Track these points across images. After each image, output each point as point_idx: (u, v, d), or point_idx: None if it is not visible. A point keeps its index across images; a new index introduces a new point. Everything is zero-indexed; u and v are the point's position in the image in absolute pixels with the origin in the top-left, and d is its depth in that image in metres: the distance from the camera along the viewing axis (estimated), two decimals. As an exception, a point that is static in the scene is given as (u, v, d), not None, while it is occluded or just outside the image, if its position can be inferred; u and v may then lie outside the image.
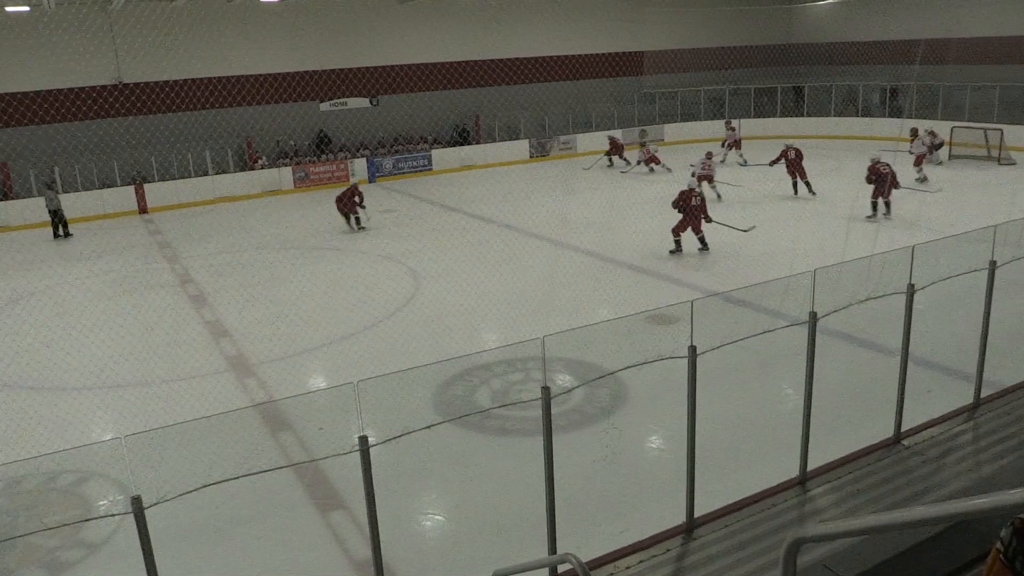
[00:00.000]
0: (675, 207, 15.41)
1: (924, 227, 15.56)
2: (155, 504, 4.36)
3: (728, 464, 7.41)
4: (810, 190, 20.50)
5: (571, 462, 7.44)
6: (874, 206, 17.28)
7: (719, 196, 20.33)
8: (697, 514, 6.10)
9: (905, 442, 7.10)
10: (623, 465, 7.97)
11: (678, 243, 15.50)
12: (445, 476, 8.01)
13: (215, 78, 24.71)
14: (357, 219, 19.52)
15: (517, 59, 30.34)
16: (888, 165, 17.08)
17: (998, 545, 3.00)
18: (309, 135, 27.30)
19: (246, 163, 26.04)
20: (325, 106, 27.50)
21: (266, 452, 7.88)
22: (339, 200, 19.37)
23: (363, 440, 4.91)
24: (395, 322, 12.55)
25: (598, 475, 7.69)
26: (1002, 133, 24.63)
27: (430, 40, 28.44)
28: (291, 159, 26.60)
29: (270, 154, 26.52)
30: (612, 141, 27.11)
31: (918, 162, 21.95)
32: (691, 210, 15.34)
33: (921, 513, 2.34)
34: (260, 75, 25.85)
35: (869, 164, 17.43)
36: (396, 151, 28.00)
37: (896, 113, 29.68)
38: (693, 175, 17.55)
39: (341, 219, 19.47)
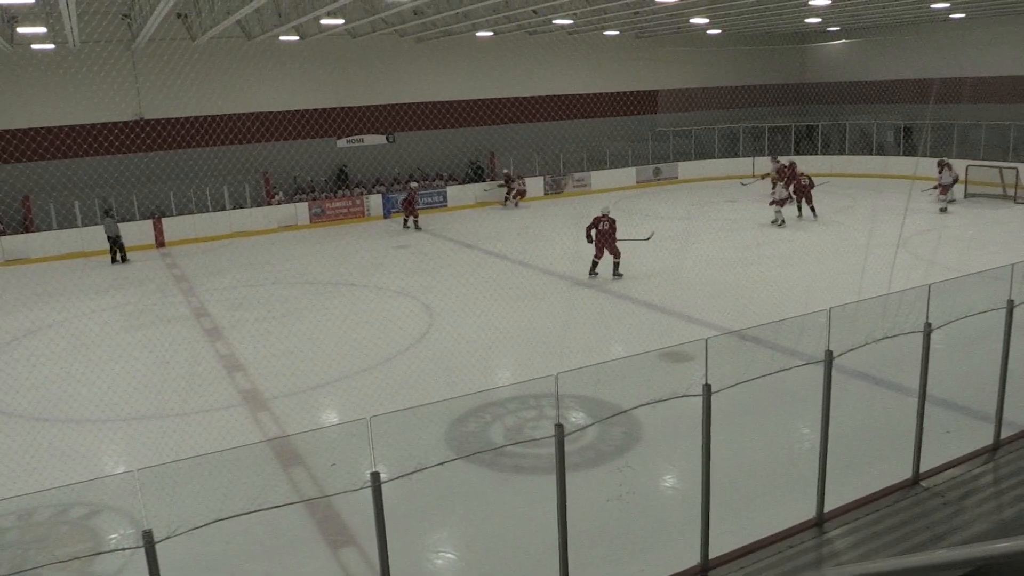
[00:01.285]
0: (587, 232, 16.67)
1: (941, 265, 15.47)
2: (166, 539, 4.34)
3: (743, 504, 7.31)
4: (814, 214, 22.43)
5: (584, 500, 7.36)
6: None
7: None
8: (712, 555, 6.01)
9: (924, 483, 7.00)
10: (637, 504, 7.88)
11: (594, 265, 16.89)
12: (457, 513, 7.94)
13: (234, 115, 25.07)
14: (416, 220, 23.69)
15: (532, 98, 30.64)
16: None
17: (1021, 591, 2.94)
18: (326, 171, 27.58)
19: (263, 198, 26.29)
20: (342, 142, 27.80)
21: (278, 487, 7.84)
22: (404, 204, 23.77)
23: (375, 476, 4.89)
24: (409, 357, 12.55)
25: (612, 514, 7.60)
26: (1017, 172, 24.56)
27: (446, 78, 28.80)
28: (308, 194, 26.84)
29: (287, 189, 26.78)
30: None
31: (944, 192, 23.15)
32: (601, 236, 16.57)
33: (941, 557, 2.30)
34: (278, 112, 26.22)
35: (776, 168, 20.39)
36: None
37: (911, 151, 29.66)
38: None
39: (357, 255, 19.69)
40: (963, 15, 27.52)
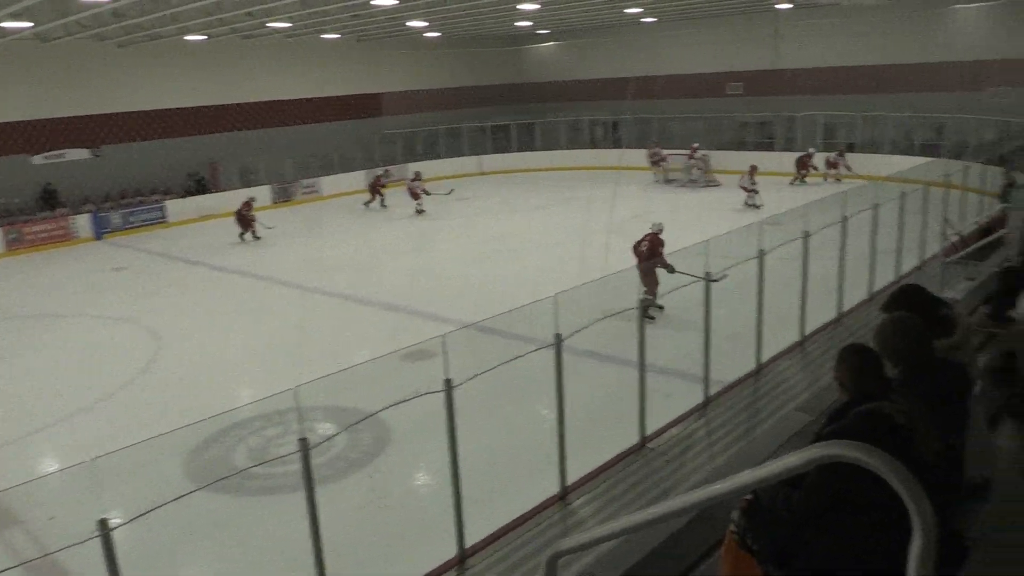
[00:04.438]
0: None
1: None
2: None
3: (495, 490, 7.56)
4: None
5: (338, 511, 7.24)
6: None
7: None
8: (468, 544, 6.17)
9: (650, 445, 7.68)
10: (392, 507, 7.89)
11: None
12: (205, 547, 7.48)
13: None
14: (254, 231, 21.96)
15: (254, 103, 29.47)
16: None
17: (731, 527, 3.32)
18: (20, 192, 24.53)
19: (-59, 227, 22.93)
20: (38, 159, 24.91)
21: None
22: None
23: (102, 524, 4.45)
24: (136, 389, 11.58)
25: (367, 521, 7.55)
26: (707, 158, 27.67)
27: (157, 85, 26.82)
28: (1, 219, 23.76)
29: (-32, 216, 23.51)
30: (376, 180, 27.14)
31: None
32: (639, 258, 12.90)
33: (661, 509, 2.52)
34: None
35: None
36: (126, 204, 25.95)
37: (618, 144, 32.29)
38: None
39: (67, 283, 17.79)
40: (655, 19, 30.47)
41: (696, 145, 28.35)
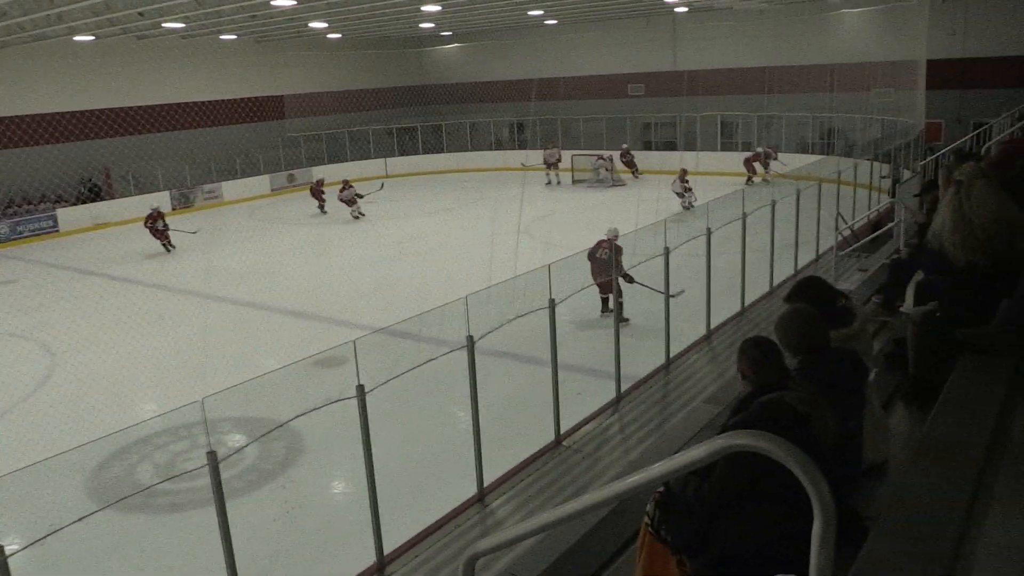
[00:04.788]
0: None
1: (557, 246, 17.16)
2: None
3: (412, 495, 7.53)
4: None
5: (251, 524, 7.08)
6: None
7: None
8: (387, 550, 6.11)
9: (565, 443, 7.77)
10: (307, 517, 7.74)
11: (604, 303, 12.63)
12: (111, 570, 7.18)
13: None
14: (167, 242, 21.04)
15: (149, 107, 28.40)
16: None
17: (646, 520, 3.39)
18: None
19: None
20: (-93, 168, 23.39)
21: None
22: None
23: (-3, 550, 4.24)
24: (29, 408, 11.01)
25: (283, 532, 7.39)
26: (612, 158, 28.17)
27: (42, 88, 25.49)
28: None
29: None
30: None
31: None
32: (597, 265, 12.10)
33: (577, 505, 2.55)
34: None
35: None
36: (12, 214, 24.62)
37: (523, 145, 32.50)
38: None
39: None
40: (555, 21, 30.83)
41: (625, 146, 28.80)
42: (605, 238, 12.35)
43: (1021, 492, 2.56)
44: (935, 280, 4.35)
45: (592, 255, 12.20)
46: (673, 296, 9.76)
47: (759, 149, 26.32)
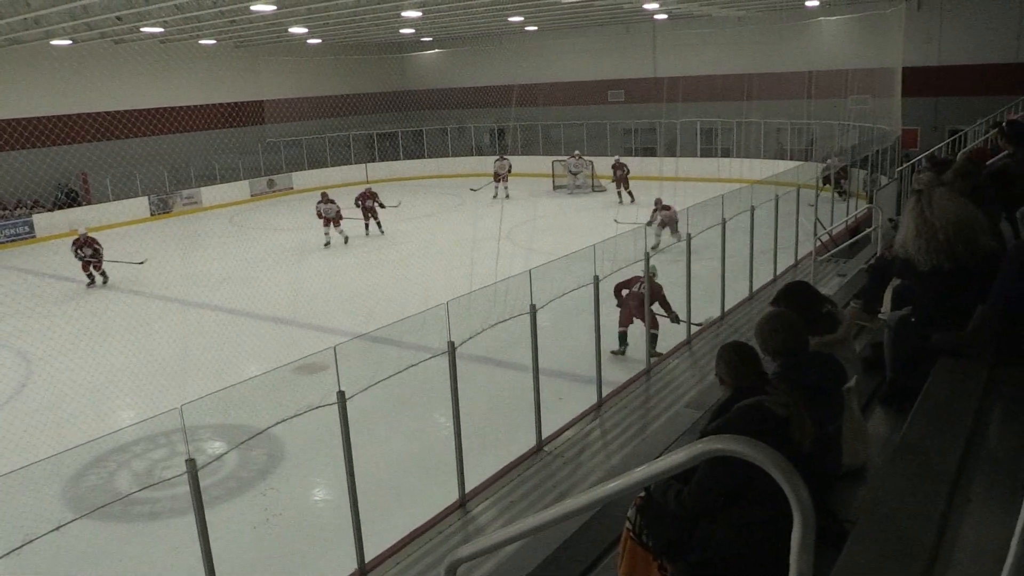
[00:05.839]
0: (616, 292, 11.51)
1: (538, 251, 17.18)
2: None
3: (394, 501, 7.50)
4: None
5: (231, 532, 7.03)
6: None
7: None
8: (368, 558, 6.08)
9: (547, 448, 7.77)
10: (287, 524, 7.69)
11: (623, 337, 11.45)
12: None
13: None
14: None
15: (129, 111, 28.16)
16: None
17: (627, 525, 3.40)
18: None
19: None
20: None
21: None
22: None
23: (-29, 560, 4.18)
24: (4, 416, 10.85)
25: (263, 540, 7.34)
26: (592, 164, 28.26)
27: (19, 92, 25.23)
28: None
29: None
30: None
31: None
32: (633, 298, 11.18)
33: (559, 510, 2.55)
34: None
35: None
36: (-14, 219, 24.34)
37: (504, 150, 32.56)
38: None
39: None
40: (535, 28, 30.92)
41: (618, 157, 27.77)
42: (640, 275, 10.94)
43: (997, 494, 2.59)
44: (910, 285, 4.40)
45: (623, 290, 11.25)
46: (698, 325, 10.43)
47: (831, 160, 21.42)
